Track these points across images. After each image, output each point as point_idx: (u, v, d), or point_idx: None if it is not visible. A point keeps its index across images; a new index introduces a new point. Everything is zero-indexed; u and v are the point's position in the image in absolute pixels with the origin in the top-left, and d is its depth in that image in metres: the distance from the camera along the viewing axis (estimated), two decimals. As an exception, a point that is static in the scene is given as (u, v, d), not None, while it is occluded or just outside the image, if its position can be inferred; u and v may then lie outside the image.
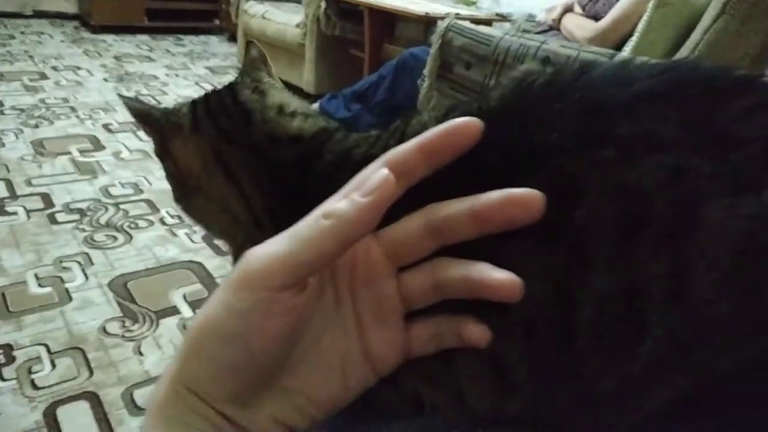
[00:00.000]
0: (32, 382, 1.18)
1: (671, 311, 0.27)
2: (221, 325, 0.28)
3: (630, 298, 0.28)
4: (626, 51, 1.89)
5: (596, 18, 2.18)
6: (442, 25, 1.87)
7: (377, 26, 2.94)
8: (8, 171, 2.09)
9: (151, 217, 1.89)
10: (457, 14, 2.43)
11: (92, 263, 1.60)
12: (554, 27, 2.37)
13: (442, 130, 0.28)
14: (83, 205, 1.91)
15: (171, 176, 0.45)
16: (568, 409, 0.31)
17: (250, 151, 0.40)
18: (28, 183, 2.02)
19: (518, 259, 0.29)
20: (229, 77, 3.76)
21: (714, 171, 0.27)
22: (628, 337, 0.28)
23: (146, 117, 0.44)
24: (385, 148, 0.30)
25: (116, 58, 3.98)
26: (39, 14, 4.86)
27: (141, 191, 2.06)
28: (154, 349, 1.31)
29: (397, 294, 0.30)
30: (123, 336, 1.34)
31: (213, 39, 5.02)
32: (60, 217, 1.83)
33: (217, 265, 1.65)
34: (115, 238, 1.74)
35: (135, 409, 1.14)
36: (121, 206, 1.93)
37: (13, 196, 1.92)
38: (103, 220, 1.83)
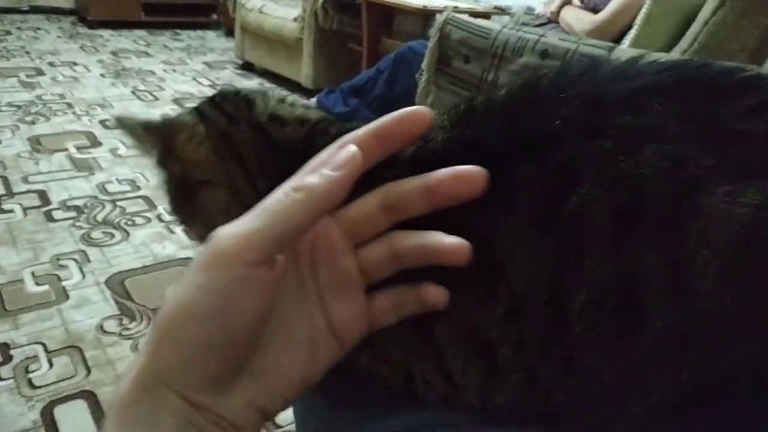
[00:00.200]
0: (29, 381, 1.18)
1: (671, 302, 0.27)
2: (197, 306, 0.27)
3: (627, 286, 0.28)
4: (625, 43, 1.88)
5: (595, 10, 2.17)
6: (440, 18, 1.86)
7: (375, 20, 2.93)
8: (5, 168, 2.08)
9: (148, 214, 1.88)
10: (456, 7, 2.42)
11: (89, 261, 1.59)
12: (553, 20, 2.35)
13: (394, 117, 0.29)
14: (80, 203, 1.90)
15: (173, 181, 0.44)
16: (565, 404, 0.31)
17: (255, 130, 0.40)
18: (25, 180, 2.01)
19: (508, 239, 0.29)
20: (227, 72, 3.76)
21: (716, 163, 0.27)
22: (627, 328, 0.28)
23: (146, 126, 0.44)
24: None
25: (113, 53, 3.96)
26: (35, 9, 4.84)
27: (138, 188, 2.05)
28: (151, 347, 1.30)
29: (357, 268, 0.31)
30: (120, 334, 1.33)
31: (210, 34, 5.00)
32: (57, 214, 1.82)
33: (215, 261, 1.64)
34: (112, 236, 1.73)
35: (132, 407, 1.14)
36: (118, 203, 1.93)
37: (10, 193, 1.91)
38: (100, 218, 1.83)
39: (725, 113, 0.29)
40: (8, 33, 4.11)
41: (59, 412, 1.11)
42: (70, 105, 2.82)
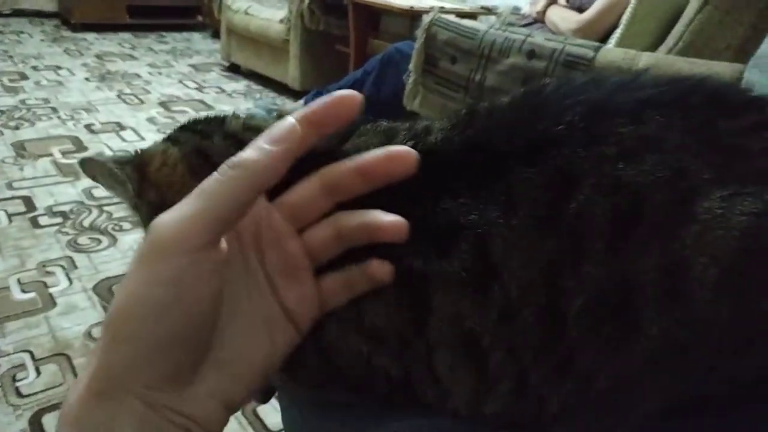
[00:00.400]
0: (17, 390, 1.16)
1: (666, 310, 0.27)
2: (149, 300, 0.27)
3: (623, 292, 0.28)
4: (611, 43, 1.89)
5: (581, 10, 2.18)
6: (426, 19, 1.86)
7: (362, 21, 2.92)
8: (-11, 174, 2.05)
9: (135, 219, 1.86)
10: (442, 8, 2.42)
11: (76, 267, 1.58)
12: (539, 19, 2.36)
13: (325, 103, 0.29)
14: (66, 208, 1.88)
15: (151, 212, 0.43)
16: (560, 412, 0.31)
17: (229, 142, 0.39)
18: (9, 186, 1.99)
19: (506, 242, 0.29)
20: (214, 74, 3.74)
21: (715, 176, 0.27)
22: (622, 334, 0.28)
23: (118, 161, 0.43)
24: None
25: (98, 56, 3.93)
26: (18, 13, 4.78)
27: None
28: (140, 353, 1.29)
29: (303, 251, 0.32)
30: (109, 341, 1.32)
31: (196, 36, 4.97)
32: (42, 220, 1.80)
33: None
34: (99, 241, 1.71)
35: (122, 415, 1.12)
36: (105, 208, 1.91)
37: (-6, 199, 1.89)
38: (86, 223, 1.81)
39: (725, 128, 0.29)
40: (-10, 37, 4.07)
41: (48, 420, 1.10)
42: (54, 109, 2.79)
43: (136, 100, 3.07)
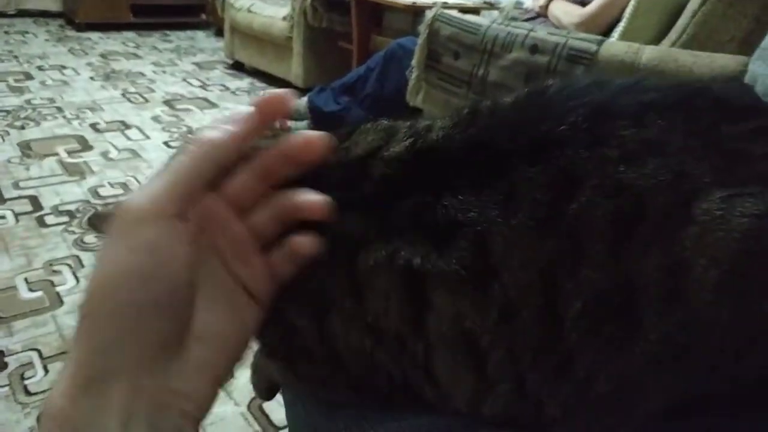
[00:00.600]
0: (25, 388, 1.17)
1: (666, 311, 0.27)
2: (130, 268, 0.27)
3: (624, 295, 0.28)
4: (614, 36, 1.88)
5: (583, 4, 2.17)
6: (429, 14, 1.86)
7: (364, 17, 2.92)
8: (-5, 174, 2.07)
9: (141, 217, 1.87)
10: (445, 3, 2.42)
11: (83, 266, 1.59)
12: (541, 14, 2.35)
13: (271, 96, 0.32)
14: (72, 207, 1.89)
15: None
16: (560, 415, 0.31)
17: None
18: (16, 186, 2.00)
19: (506, 241, 0.29)
20: (217, 72, 3.75)
21: (717, 178, 0.27)
22: (623, 336, 0.28)
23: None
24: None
25: (102, 56, 3.94)
26: (22, 13, 4.81)
27: (130, 191, 2.04)
28: (147, 350, 1.30)
29: (246, 233, 0.33)
30: (116, 338, 1.33)
31: (200, 34, 4.98)
32: (49, 219, 1.81)
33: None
34: (106, 240, 1.72)
35: (129, 412, 1.13)
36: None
37: (1, 199, 1.90)
38: (92, 222, 1.82)
39: (727, 132, 0.29)
40: (-4, 37, 4.09)
41: (56, 418, 1.11)
42: (59, 109, 2.81)
43: (141, 99, 3.09)
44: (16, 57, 3.66)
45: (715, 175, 0.27)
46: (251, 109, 0.32)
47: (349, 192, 0.33)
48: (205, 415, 0.30)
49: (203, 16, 5.10)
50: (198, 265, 0.30)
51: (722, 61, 1.41)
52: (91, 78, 3.39)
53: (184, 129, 2.69)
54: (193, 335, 0.29)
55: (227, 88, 3.42)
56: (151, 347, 0.27)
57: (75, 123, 2.65)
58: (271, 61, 3.43)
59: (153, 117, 2.82)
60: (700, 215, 0.27)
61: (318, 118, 2.47)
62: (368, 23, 2.97)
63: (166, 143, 2.50)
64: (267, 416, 1.16)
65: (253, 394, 1.15)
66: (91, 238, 1.72)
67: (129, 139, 2.52)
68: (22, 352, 1.27)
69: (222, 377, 0.31)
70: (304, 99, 2.60)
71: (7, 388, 1.16)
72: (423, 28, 1.85)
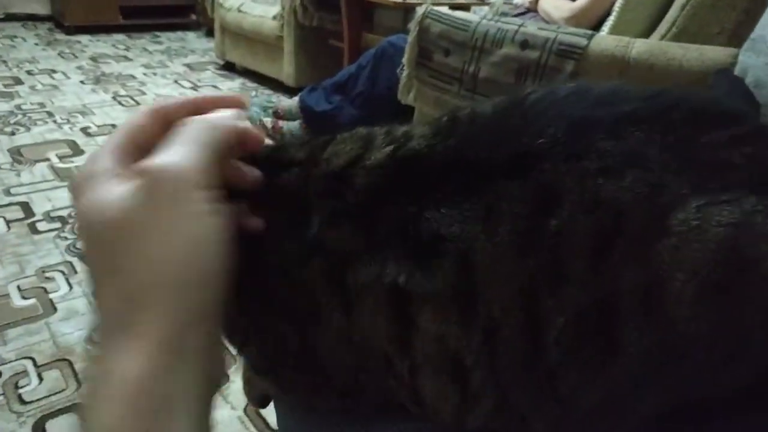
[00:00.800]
0: (19, 396, 1.17)
1: (645, 327, 0.27)
2: (206, 239, 0.27)
3: (604, 311, 0.27)
4: (604, 31, 1.88)
5: (573, -2, 2.16)
6: (419, 12, 1.85)
7: (355, 15, 2.91)
8: (-14, 181, 2.05)
9: (134, 221, 1.86)
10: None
11: (76, 272, 1.58)
12: (531, 9, 2.35)
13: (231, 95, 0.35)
14: (64, 213, 1.88)
15: None
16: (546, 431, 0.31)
17: None
18: (7, 192, 1.99)
19: (488, 259, 0.29)
20: (209, 73, 3.74)
21: (694, 189, 0.27)
22: (604, 353, 0.28)
23: None
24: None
25: (92, 59, 3.92)
26: (10, 17, 4.77)
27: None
28: (142, 356, 1.29)
29: None
30: (110, 345, 1.32)
31: (190, 35, 4.96)
32: (41, 226, 1.80)
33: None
34: (99, 245, 1.71)
35: (125, 418, 1.13)
36: (103, 211, 1.91)
37: (-8, 206, 1.89)
38: (85, 227, 1.81)
39: (705, 142, 0.29)
40: (-16, 42, 4.06)
41: (51, 426, 1.10)
42: (50, 114, 2.79)
43: (132, 102, 3.07)
44: (4, 62, 3.63)
45: (692, 186, 0.27)
46: (240, 95, 0.32)
47: (333, 202, 0.32)
48: None
49: (193, 17, 5.07)
50: None
51: (712, 54, 1.41)
52: (82, 82, 3.37)
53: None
54: None
55: (219, 89, 3.40)
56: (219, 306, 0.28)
57: (66, 127, 2.63)
58: (262, 60, 3.42)
59: (144, 120, 2.81)
60: (677, 226, 0.26)
61: (310, 118, 2.45)
62: (358, 21, 2.96)
63: (157, 146, 2.49)
64: (264, 419, 1.16)
65: (249, 398, 1.15)
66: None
67: (120, 142, 2.50)
68: (15, 360, 1.26)
69: None
70: (296, 99, 2.59)
71: (1, 398, 1.16)
72: (413, 26, 1.85)
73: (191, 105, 0.33)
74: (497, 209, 0.29)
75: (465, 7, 2.83)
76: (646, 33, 1.76)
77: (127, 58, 4.01)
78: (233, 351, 0.39)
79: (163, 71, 3.74)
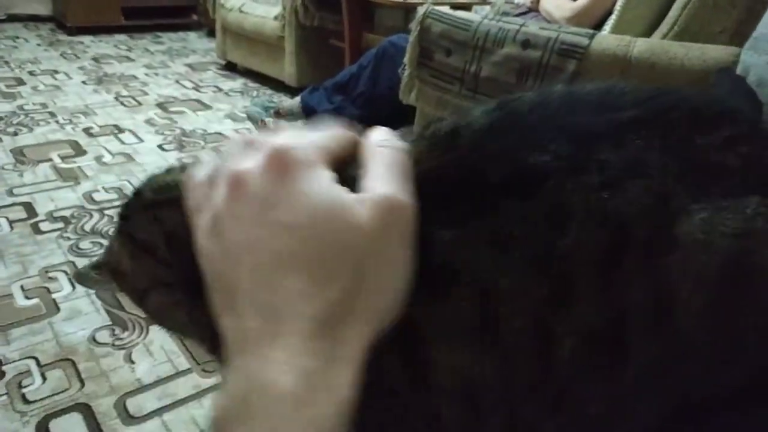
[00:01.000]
0: (23, 396, 1.17)
1: (654, 339, 0.27)
2: (358, 221, 0.27)
3: (613, 326, 0.27)
4: (606, 30, 1.88)
5: (575, -3, 2.16)
6: (420, 11, 1.85)
7: (356, 14, 2.91)
8: (-11, 181, 2.06)
9: (136, 222, 1.86)
10: (435, -1, 2.41)
11: (78, 272, 1.58)
12: (533, 8, 2.35)
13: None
14: (67, 213, 1.89)
15: (135, 297, 0.44)
16: None
17: (146, 215, 0.39)
18: (10, 193, 2.00)
19: (504, 287, 0.28)
20: (210, 73, 3.74)
21: (695, 195, 0.27)
22: (613, 365, 0.28)
23: (94, 265, 0.44)
24: None
25: (94, 59, 3.93)
26: (12, 18, 4.78)
27: (125, 195, 2.03)
28: (144, 356, 1.30)
29: None
30: (113, 344, 1.33)
31: (192, 35, 4.97)
32: (44, 226, 1.80)
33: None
34: (101, 245, 1.72)
35: (128, 418, 1.13)
36: (106, 212, 1.91)
37: (-5, 207, 1.90)
38: (87, 227, 1.81)
39: (701, 144, 0.29)
40: (-14, 43, 4.07)
41: (54, 426, 1.11)
42: (52, 114, 2.79)
43: (134, 102, 3.08)
44: (7, 62, 3.64)
45: (693, 193, 0.27)
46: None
47: None
48: None
49: (194, 17, 5.08)
50: None
51: (714, 53, 1.41)
52: (84, 82, 3.37)
53: (178, 131, 2.68)
54: None
55: (220, 89, 3.41)
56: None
57: (68, 128, 2.64)
58: (263, 60, 3.42)
59: (146, 120, 2.81)
60: (683, 238, 0.26)
61: (311, 118, 2.46)
62: (359, 21, 2.96)
63: (160, 146, 2.50)
64: (266, 419, 1.16)
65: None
66: (86, 244, 1.71)
67: (123, 142, 2.51)
68: (19, 360, 1.26)
69: None
70: (297, 99, 2.59)
71: (5, 397, 1.16)
72: (414, 26, 1.85)
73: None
74: (508, 232, 0.28)
75: (466, 7, 2.83)
76: (648, 32, 1.76)
77: (128, 59, 4.01)
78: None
79: (165, 71, 3.74)
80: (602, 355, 0.28)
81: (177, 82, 3.52)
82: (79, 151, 2.40)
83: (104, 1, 4.59)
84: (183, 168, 0.40)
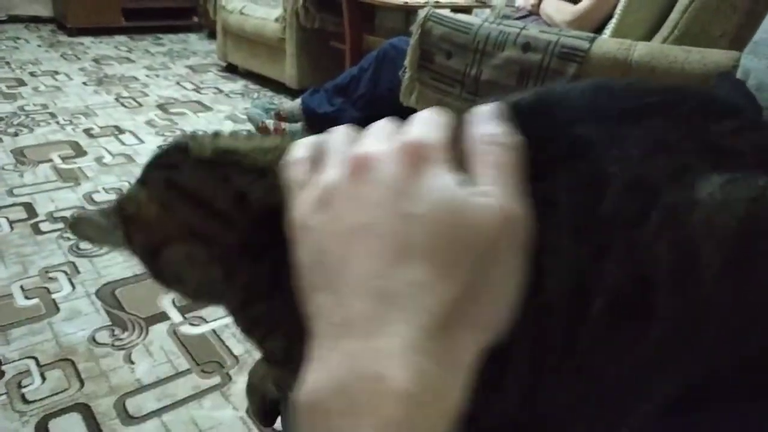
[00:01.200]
0: (22, 396, 1.17)
1: (677, 294, 0.28)
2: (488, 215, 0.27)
3: (639, 286, 0.29)
4: (606, 33, 1.88)
5: (575, 1, 2.17)
6: (420, 14, 1.86)
7: (356, 17, 2.92)
8: (-11, 182, 2.06)
9: (136, 222, 1.86)
10: (436, 2, 2.42)
11: (78, 272, 1.58)
12: (533, 12, 2.36)
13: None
14: (67, 213, 1.89)
15: (143, 252, 0.43)
16: (566, 409, 0.31)
17: (201, 168, 0.40)
18: (10, 193, 2.00)
19: (552, 241, 0.29)
20: (211, 75, 3.74)
21: (713, 171, 0.30)
22: (636, 327, 0.29)
23: (103, 212, 0.43)
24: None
25: (95, 60, 3.93)
26: (13, 19, 4.79)
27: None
28: (144, 356, 1.30)
29: None
30: (113, 345, 1.33)
31: (192, 37, 4.97)
32: (44, 226, 1.81)
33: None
34: (101, 245, 1.71)
35: (128, 418, 1.13)
36: (106, 212, 1.91)
37: (-5, 207, 1.90)
38: (87, 228, 1.81)
39: (715, 131, 0.32)
40: (-13, 44, 4.07)
41: (54, 426, 1.11)
42: (53, 115, 2.80)
43: (134, 103, 3.08)
44: (8, 63, 3.65)
45: (712, 167, 0.30)
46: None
47: None
48: None
49: (195, 19, 5.09)
50: None
51: (714, 57, 1.41)
52: (84, 83, 3.38)
53: (179, 133, 2.68)
54: None
55: (221, 91, 3.41)
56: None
57: (68, 129, 2.64)
58: (264, 62, 3.43)
59: (147, 121, 2.82)
60: (705, 198, 0.28)
61: (312, 120, 2.46)
62: (360, 23, 2.97)
63: (160, 147, 2.50)
64: (266, 420, 1.16)
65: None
66: (86, 245, 1.71)
67: (123, 143, 2.51)
68: (19, 360, 1.26)
69: None
70: (298, 101, 2.60)
71: (4, 397, 1.16)
72: (415, 29, 1.85)
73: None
74: (555, 200, 0.30)
75: (467, 10, 2.84)
76: (648, 36, 1.76)
77: (129, 60, 4.02)
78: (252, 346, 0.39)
79: (166, 73, 3.75)
80: (627, 317, 0.29)
81: (177, 83, 3.53)
82: (80, 151, 2.40)
83: (105, 3, 4.61)
84: (233, 134, 0.41)
